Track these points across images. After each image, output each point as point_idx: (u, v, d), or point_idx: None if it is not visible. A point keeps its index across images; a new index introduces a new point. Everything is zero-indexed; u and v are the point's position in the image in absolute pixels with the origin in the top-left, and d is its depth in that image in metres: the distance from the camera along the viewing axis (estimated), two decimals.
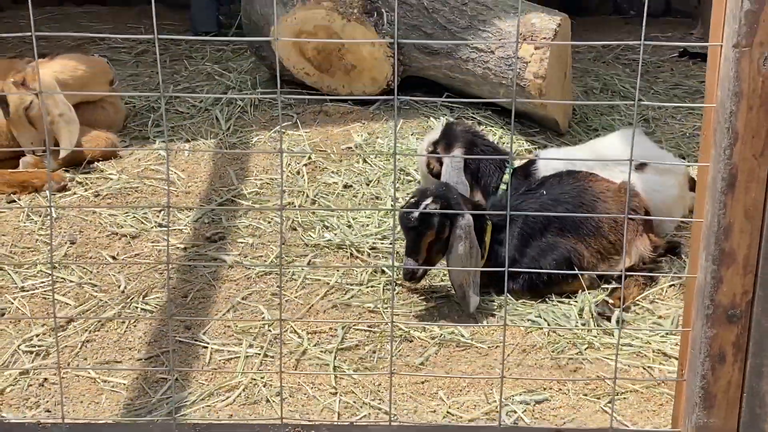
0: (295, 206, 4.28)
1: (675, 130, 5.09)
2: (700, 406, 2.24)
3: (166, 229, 4.06)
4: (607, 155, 4.05)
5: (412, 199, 3.55)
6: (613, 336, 3.43)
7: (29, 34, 2.18)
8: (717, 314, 2.17)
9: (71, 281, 3.74)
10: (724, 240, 2.11)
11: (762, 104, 2.01)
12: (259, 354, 3.31)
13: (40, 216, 4.17)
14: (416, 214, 3.47)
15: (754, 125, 2.03)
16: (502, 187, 4.02)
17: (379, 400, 3.10)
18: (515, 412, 3.07)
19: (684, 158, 4.62)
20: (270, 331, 3.44)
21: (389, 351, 3.31)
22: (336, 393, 3.12)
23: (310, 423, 2.66)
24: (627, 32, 7.04)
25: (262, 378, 3.18)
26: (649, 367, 3.31)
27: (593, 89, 5.63)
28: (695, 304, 2.22)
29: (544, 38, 4.49)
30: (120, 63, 6.17)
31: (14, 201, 4.35)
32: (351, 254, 3.93)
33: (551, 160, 4.06)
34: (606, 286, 3.72)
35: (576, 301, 3.64)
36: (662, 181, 4.03)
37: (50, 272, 3.68)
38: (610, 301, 3.58)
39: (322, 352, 3.32)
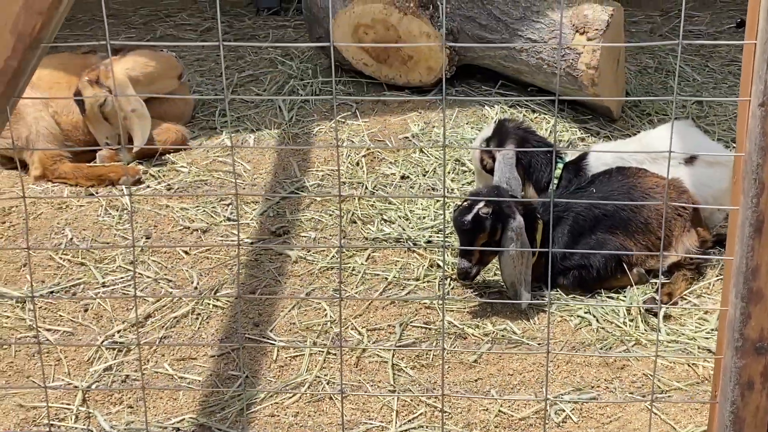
0: (354, 198, 4.46)
1: (728, 112, 5.14)
2: (730, 428, 2.41)
3: (235, 223, 4.30)
4: (657, 149, 4.14)
5: (465, 203, 3.72)
6: (660, 333, 3.59)
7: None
8: (746, 347, 2.32)
9: (148, 276, 4.01)
10: (752, 280, 2.26)
11: None
12: (323, 352, 3.54)
13: (117, 210, 4.44)
14: (469, 217, 3.64)
15: None
16: (554, 182, 4.16)
17: (435, 398, 3.32)
18: (563, 411, 3.27)
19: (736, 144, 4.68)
20: (332, 328, 3.67)
21: (446, 351, 3.52)
22: (394, 391, 3.35)
23: None
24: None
25: (325, 376, 3.42)
26: (693, 364, 3.47)
27: (648, 68, 5.68)
28: (726, 336, 2.38)
29: (596, 29, 4.58)
30: (186, 42, 6.37)
31: (92, 194, 4.61)
32: (408, 249, 4.12)
33: (602, 155, 4.18)
34: (654, 280, 3.86)
35: (624, 297, 3.80)
36: (712, 174, 4.10)
37: (130, 268, 3.94)
38: (658, 297, 3.72)
39: (381, 349, 3.55)
